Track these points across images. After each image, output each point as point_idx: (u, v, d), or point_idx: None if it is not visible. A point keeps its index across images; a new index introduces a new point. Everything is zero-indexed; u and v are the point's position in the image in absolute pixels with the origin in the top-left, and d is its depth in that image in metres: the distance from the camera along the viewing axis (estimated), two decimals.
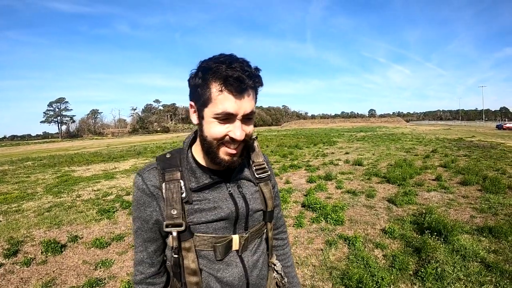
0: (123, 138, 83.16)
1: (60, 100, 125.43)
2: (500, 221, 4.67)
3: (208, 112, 0.84)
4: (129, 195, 7.86)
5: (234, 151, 0.88)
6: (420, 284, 3.15)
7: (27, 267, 4.00)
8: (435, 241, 3.93)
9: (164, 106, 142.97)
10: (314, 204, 5.75)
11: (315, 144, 21.75)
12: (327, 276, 3.43)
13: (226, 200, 0.96)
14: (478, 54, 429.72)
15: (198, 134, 0.93)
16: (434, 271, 3.28)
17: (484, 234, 4.29)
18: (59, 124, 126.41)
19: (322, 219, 5.18)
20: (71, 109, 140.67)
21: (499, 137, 25.21)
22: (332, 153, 15.67)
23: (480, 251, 3.74)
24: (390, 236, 4.38)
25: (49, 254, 4.33)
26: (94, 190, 8.80)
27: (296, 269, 3.09)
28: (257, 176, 1.06)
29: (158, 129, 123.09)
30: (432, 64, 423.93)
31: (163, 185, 0.92)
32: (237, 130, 0.84)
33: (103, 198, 7.66)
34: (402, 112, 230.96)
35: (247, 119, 0.87)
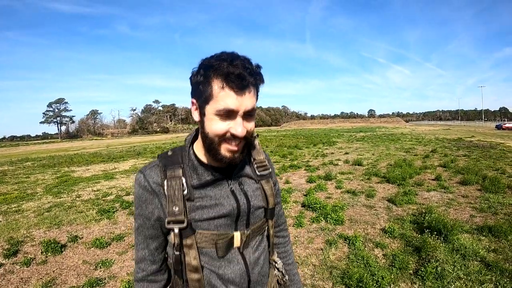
0: (123, 138, 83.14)
1: (60, 101, 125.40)
2: (500, 221, 4.68)
3: (210, 109, 0.85)
4: (129, 195, 7.86)
5: (235, 148, 0.88)
6: (420, 283, 3.16)
7: (27, 267, 4.00)
8: (435, 240, 3.94)
9: (163, 106, 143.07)
10: (314, 204, 5.75)
11: (315, 144, 21.75)
12: (327, 276, 3.43)
13: (227, 197, 0.96)
14: (478, 54, 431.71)
15: (200, 131, 0.93)
16: (434, 270, 3.29)
17: (484, 233, 4.29)
18: (59, 125, 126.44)
19: (322, 218, 5.18)
20: (71, 110, 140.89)
21: (498, 137, 25.24)
22: (332, 153, 15.67)
23: (480, 250, 3.74)
24: (390, 235, 4.39)
25: (49, 254, 4.32)
26: (94, 191, 8.80)
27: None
28: (258, 173, 1.07)
29: (158, 130, 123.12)
30: (432, 64, 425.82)
31: (165, 182, 0.92)
32: (238, 127, 0.85)
33: (103, 198, 7.66)
34: (401, 113, 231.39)
35: (248, 116, 0.87)
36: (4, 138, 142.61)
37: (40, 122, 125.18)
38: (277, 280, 1.19)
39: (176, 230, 0.90)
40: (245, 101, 0.84)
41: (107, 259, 4.10)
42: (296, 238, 4.50)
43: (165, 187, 0.92)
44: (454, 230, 4.17)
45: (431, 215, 4.65)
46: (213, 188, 0.96)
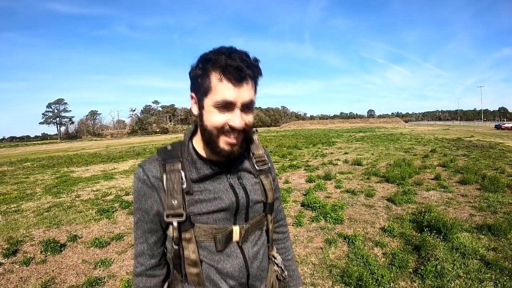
0: (122, 139, 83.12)
1: (59, 101, 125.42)
2: (499, 219, 4.68)
3: (208, 101, 0.85)
4: (128, 195, 7.85)
5: (234, 141, 0.88)
6: (420, 282, 3.16)
7: (26, 266, 4.00)
8: (434, 239, 3.95)
9: (163, 107, 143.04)
10: (314, 203, 5.75)
11: (314, 144, 21.76)
12: (327, 274, 3.43)
13: (226, 191, 0.96)
14: (477, 54, 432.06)
15: (199, 124, 0.94)
16: (433, 268, 3.29)
17: (483, 232, 4.29)
18: (58, 125, 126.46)
19: (322, 218, 5.18)
20: (70, 110, 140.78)
21: (497, 137, 25.27)
22: (331, 153, 15.68)
23: (480, 248, 3.74)
24: (390, 234, 4.39)
25: (49, 253, 4.32)
26: (94, 191, 8.79)
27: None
28: (257, 168, 1.07)
29: (157, 130, 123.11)
30: (431, 65, 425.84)
31: (164, 176, 0.92)
32: (236, 119, 0.85)
33: (102, 198, 7.66)
34: (401, 113, 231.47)
35: (246, 108, 0.88)
36: (3, 138, 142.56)
37: (40, 123, 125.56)
38: (276, 276, 1.19)
39: (175, 224, 0.89)
40: (243, 93, 0.84)
41: (106, 259, 4.09)
42: (296, 237, 4.49)
43: (164, 181, 0.92)
44: (453, 229, 4.17)
45: (430, 214, 4.65)
46: (212, 182, 0.96)
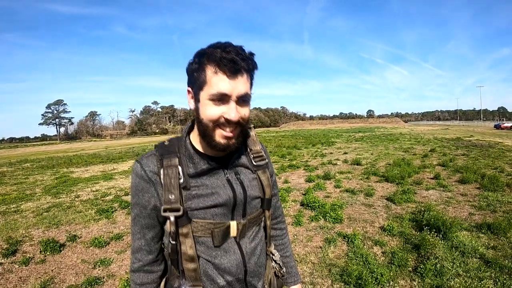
0: (122, 140, 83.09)
1: (58, 102, 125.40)
2: (499, 218, 4.68)
3: (204, 94, 0.86)
4: (127, 195, 7.85)
5: (230, 134, 0.88)
6: (420, 280, 3.16)
7: (25, 266, 3.99)
8: (434, 237, 3.94)
9: (162, 108, 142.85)
10: (313, 203, 5.75)
11: (314, 144, 21.77)
12: (326, 273, 3.43)
13: (223, 186, 0.96)
14: (476, 54, 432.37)
15: (195, 118, 0.94)
16: (433, 267, 3.29)
17: (483, 231, 4.30)
18: (58, 126, 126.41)
19: (321, 217, 5.18)
20: (69, 111, 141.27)
21: (497, 137, 25.29)
22: (331, 153, 15.69)
23: (479, 247, 3.74)
24: (389, 233, 4.39)
25: (48, 253, 4.32)
26: (93, 191, 8.79)
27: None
28: (254, 163, 1.07)
29: (157, 131, 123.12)
30: (430, 65, 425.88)
31: (161, 170, 0.92)
32: (231, 111, 0.85)
33: (102, 199, 7.65)
34: (400, 113, 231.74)
35: (242, 101, 0.88)
36: (3, 139, 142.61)
37: (39, 124, 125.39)
38: (274, 272, 1.19)
39: (172, 218, 0.89)
40: (238, 86, 0.85)
41: (105, 258, 4.09)
42: (295, 237, 4.49)
43: (162, 176, 0.92)
44: (453, 228, 4.17)
45: (430, 213, 4.65)
46: (209, 177, 0.96)
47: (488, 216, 4.95)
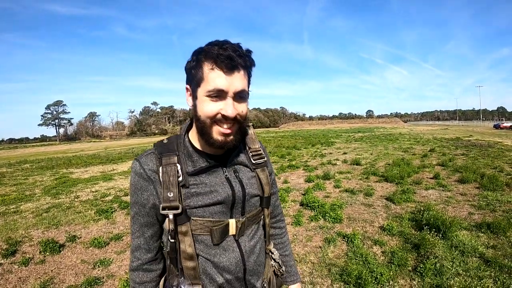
0: (121, 140, 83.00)
1: (58, 103, 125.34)
2: (498, 217, 4.68)
3: (201, 91, 0.87)
4: (127, 195, 7.84)
5: (227, 131, 0.89)
6: (419, 280, 3.16)
7: (25, 266, 3.98)
8: (433, 237, 3.95)
9: (161, 108, 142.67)
10: (313, 202, 5.75)
11: (313, 144, 21.77)
12: (326, 273, 3.43)
13: (222, 184, 0.96)
14: (476, 54, 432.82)
15: (193, 116, 0.94)
16: (433, 266, 3.29)
17: (482, 230, 4.30)
18: (57, 127, 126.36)
19: (321, 217, 5.18)
20: (69, 112, 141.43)
21: (496, 136, 25.30)
22: (330, 153, 15.69)
23: (479, 246, 3.75)
24: (389, 233, 4.39)
25: (48, 253, 4.31)
26: (92, 191, 8.78)
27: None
28: (253, 161, 1.07)
29: (156, 132, 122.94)
30: (430, 65, 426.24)
31: (160, 169, 0.92)
32: (228, 108, 0.86)
33: (101, 199, 7.64)
34: (399, 113, 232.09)
35: (239, 97, 0.88)
36: (2, 140, 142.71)
37: (38, 125, 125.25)
38: (274, 271, 1.19)
39: (171, 216, 0.90)
40: (235, 82, 0.85)
41: (105, 258, 4.09)
42: (295, 237, 4.49)
43: (160, 174, 0.92)
44: (452, 227, 4.17)
45: (429, 212, 4.65)
46: (208, 175, 0.96)
47: (487, 215, 4.95)
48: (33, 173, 14.51)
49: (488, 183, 6.68)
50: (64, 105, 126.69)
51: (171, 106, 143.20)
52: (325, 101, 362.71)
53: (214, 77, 0.84)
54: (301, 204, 6.01)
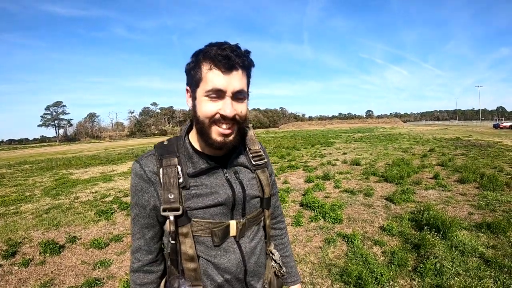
0: (121, 141, 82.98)
1: (58, 104, 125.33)
2: (498, 217, 4.68)
3: (200, 91, 0.87)
4: (127, 196, 7.84)
5: (226, 131, 0.89)
6: (420, 280, 3.16)
7: (25, 267, 3.98)
8: (433, 237, 3.95)
9: (161, 109, 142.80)
10: (312, 203, 5.75)
11: (313, 145, 21.78)
12: (326, 273, 3.43)
13: (223, 186, 0.96)
14: (476, 54, 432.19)
15: (193, 117, 0.94)
16: (433, 266, 3.29)
17: (482, 230, 4.30)
18: (57, 128, 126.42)
19: (321, 217, 5.18)
20: (69, 113, 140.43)
21: (496, 136, 25.32)
22: (330, 153, 15.70)
23: (479, 246, 3.75)
24: (389, 233, 4.39)
25: (48, 254, 4.31)
26: (92, 192, 8.78)
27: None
28: (254, 163, 1.07)
29: (156, 132, 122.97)
30: (430, 65, 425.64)
31: (161, 170, 0.92)
32: (227, 107, 0.86)
33: (101, 200, 7.64)
34: (399, 113, 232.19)
35: (237, 97, 0.88)
36: (2, 141, 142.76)
37: (38, 125, 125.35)
38: (274, 272, 1.19)
39: (172, 218, 0.90)
40: (233, 81, 0.86)
41: (105, 259, 4.08)
42: (295, 237, 4.49)
43: (161, 176, 0.92)
44: (452, 227, 4.17)
45: (429, 212, 4.66)
46: (209, 177, 0.96)
47: (487, 215, 4.95)
48: (33, 174, 14.50)
49: (488, 183, 6.69)
50: (64, 106, 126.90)
51: (171, 107, 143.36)
52: (324, 101, 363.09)
53: (212, 77, 0.84)
54: (301, 205, 6.01)
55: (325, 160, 12.71)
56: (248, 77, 0.92)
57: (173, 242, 0.93)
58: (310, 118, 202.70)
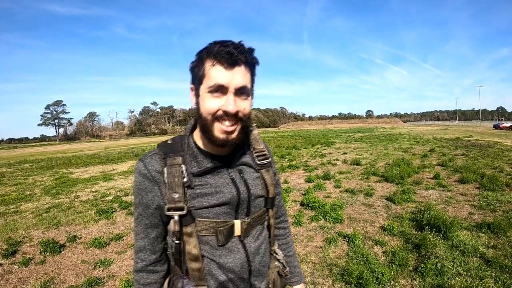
0: (121, 140, 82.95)
1: (58, 103, 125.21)
2: (499, 217, 4.68)
3: (203, 88, 0.87)
4: (127, 195, 7.84)
5: (229, 129, 0.88)
6: (420, 280, 3.16)
7: (25, 267, 3.98)
8: (434, 237, 3.94)
9: (161, 108, 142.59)
10: (313, 203, 5.75)
11: (313, 145, 21.77)
12: (327, 273, 3.43)
13: (227, 185, 0.96)
14: (476, 54, 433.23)
15: (196, 115, 0.94)
16: (434, 266, 3.29)
17: (483, 230, 4.30)
18: (57, 127, 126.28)
19: (321, 217, 5.18)
20: (69, 112, 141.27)
21: (496, 136, 25.32)
22: (330, 153, 15.69)
23: (479, 246, 3.75)
24: (389, 233, 4.39)
25: (48, 254, 4.30)
26: (93, 191, 8.77)
27: None
28: (258, 162, 1.06)
29: (156, 132, 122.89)
30: (430, 65, 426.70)
31: (165, 169, 0.92)
32: (229, 103, 0.85)
33: (102, 199, 7.64)
34: (399, 113, 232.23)
35: (240, 94, 0.88)
36: (2, 140, 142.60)
37: (38, 125, 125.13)
38: (278, 272, 1.19)
39: (176, 217, 0.89)
40: (236, 77, 0.85)
41: (106, 259, 4.08)
42: (296, 237, 4.49)
43: (165, 175, 0.92)
44: (453, 227, 4.17)
45: (430, 212, 4.65)
46: (213, 176, 0.96)
47: (488, 215, 4.95)
48: (33, 173, 14.49)
49: (488, 183, 6.69)
50: (64, 105, 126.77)
51: (171, 106, 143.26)
52: (324, 101, 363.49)
53: (214, 73, 0.84)
54: (302, 204, 6.01)
55: (325, 160, 12.71)
56: (252, 74, 0.92)
57: (177, 241, 0.92)
58: (310, 118, 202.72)
